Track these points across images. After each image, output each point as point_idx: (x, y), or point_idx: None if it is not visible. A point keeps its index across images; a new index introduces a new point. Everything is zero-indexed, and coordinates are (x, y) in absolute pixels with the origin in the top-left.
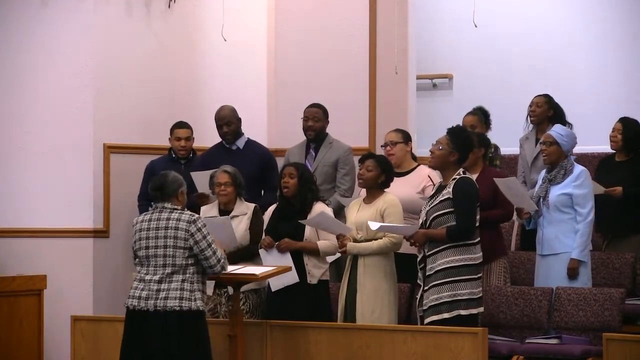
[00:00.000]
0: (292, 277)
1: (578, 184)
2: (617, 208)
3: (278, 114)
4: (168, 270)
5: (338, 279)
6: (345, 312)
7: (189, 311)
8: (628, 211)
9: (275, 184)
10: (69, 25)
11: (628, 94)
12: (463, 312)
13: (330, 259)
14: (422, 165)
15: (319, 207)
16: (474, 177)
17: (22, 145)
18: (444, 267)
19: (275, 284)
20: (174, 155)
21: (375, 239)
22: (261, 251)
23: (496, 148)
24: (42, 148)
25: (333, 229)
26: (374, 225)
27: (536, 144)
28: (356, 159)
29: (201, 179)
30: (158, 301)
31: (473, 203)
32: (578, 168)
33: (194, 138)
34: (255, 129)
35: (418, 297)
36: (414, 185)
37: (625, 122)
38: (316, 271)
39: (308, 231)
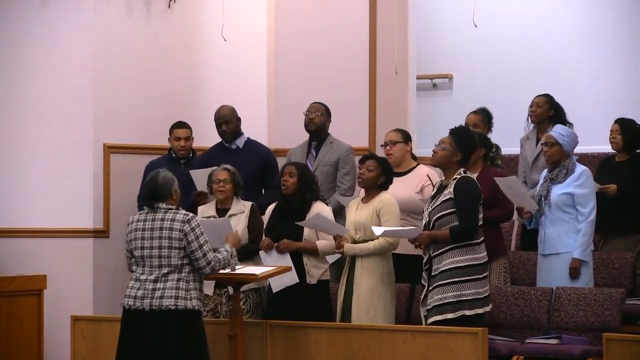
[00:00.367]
0: (292, 278)
1: (580, 184)
2: (613, 207)
3: (278, 114)
4: (164, 270)
5: (338, 279)
6: (342, 312)
7: (185, 310)
8: (624, 210)
9: (276, 183)
10: (69, 25)
11: (628, 94)
12: (468, 312)
13: (331, 259)
14: (421, 165)
15: (318, 207)
16: (474, 176)
17: (22, 145)
18: (449, 267)
19: (276, 284)
20: (173, 155)
21: (372, 239)
22: (261, 252)
23: (497, 148)
24: (42, 148)
25: (329, 230)
26: (378, 230)
27: (537, 144)
28: (357, 159)
29: (200, 177)
30: (154, 300)
31: (475, 202)
32: (580, 168)
33: (193, 138)
34: (255, 128)
35: (422, 297)
36: (413, 185)
37: (622, 122)
38: (315, 271)
39: (307, 231)
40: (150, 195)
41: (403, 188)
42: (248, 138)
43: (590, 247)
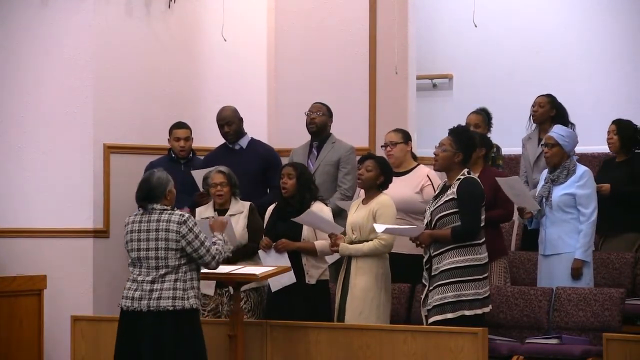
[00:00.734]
0: (290, 278)
1: (581, 184)
2: (610, 207)
3: (278, 114)
4: (161, 271)
5: (337, 279)
6: (339, 312)
7: (183, 310)
8: (621, 210)
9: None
10: (69, 25)
11: (628, 94)
12: (467, 313)
13: (330, 259)
14: (421, 165)
15: (318, 207)
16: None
17: (22, 145)
18: (449, 267)
19: (275, 284)
20: (173, 156)
21: (369, 240)
22: (260, 252)
23: (498, 148)
24: (42, 148)
25: (324, 228)
26: (380, 228)
27: (539, 144)
28: (357, 159)
29: (202, 178)
30: (151, 301)
31: (478, 203)
32: (581, 168)
33: (193, 138)
34: (256, 128)
35: (422, 297)
36: (413, 185)
37: (618, 123)
38: (314, 271)
39: (306, 231)
40: (144, 196)
41: (403, 188)
42: (252, 138)
43: (592, 248)
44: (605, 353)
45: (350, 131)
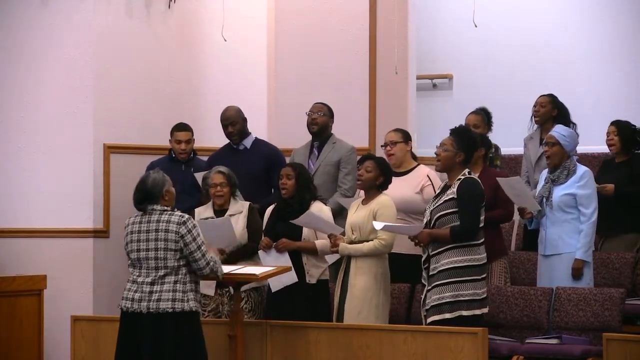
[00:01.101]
0: (291, 277)
1: (582, 184)
2: (611, 207)
3: (278, 114)
4: (160, 272)
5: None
6: (338, 312)
7: (182, 312)
8: (622, 210)
9: None
10: (69, 25)
11: (628, 94)
12: (465, 313)
13: (331, 259)
14: (421, 165)
15: (317, 207)
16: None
17: (22, 145)
18: (447, 267)
19: (275, 284)
20: (174, 156)
21: (369, 241)
22: (260, 252)
23: (497, 148)
24: (42, 148)
25: (323, 229)
26: (378, 225)
27: (540, 144)
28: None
29: None
30: (151, 303)
31: (477, 203)
32: (581, 168)
33: (194, 140)
34: (255, 128)
35: (422, 297)
36: (413, 185)
37: (618, 124)
38: (315, 271)
39: (306, 231)
40: (141, 199)
41: (403, 188)
42: (256, 138)
43: (592, 248)
44: (605, 353)
45: (350, 131)
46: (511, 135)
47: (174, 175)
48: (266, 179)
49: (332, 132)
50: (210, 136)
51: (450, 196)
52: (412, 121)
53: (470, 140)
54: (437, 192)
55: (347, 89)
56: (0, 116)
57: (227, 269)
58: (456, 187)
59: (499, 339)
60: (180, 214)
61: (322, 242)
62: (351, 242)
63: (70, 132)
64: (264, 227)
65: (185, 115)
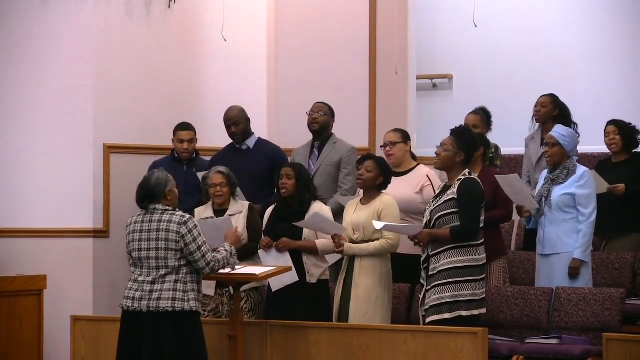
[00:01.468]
0: (291, 277)
1: (581, 184)
2: (615, 207)
3: (278, 114)
4: (161, 272)
5: (337, 279)
6: (339, 312)
7: (182, 312)
8: (626, 210)
9: None
10: (69, 25)
11: (628, 94)
12: (464, 313)
13: (331, 259)
14: (421, 165)
15: (317, 207)
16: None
17: (22, 145)
18: (447, 267)
19: (275, 284)
20: (176, 156)
21: (372, 240)
22: (260, 252)
23: (497, 148)
24: (42, 148)
25: (328, 230)
26: (378, 225)
27: (541, 144)
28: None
29: None
30: (151, 302)
31: (478, 204)
32: (581, 169)
33: (197, 140)
34: (256, 128)
35: (421, 297)
36: (413, 185)
37: (617, 123)
38: (315, 270)
39: (306, 230)
40: (144, 197)
41: (403, 188)
42: (259, 138)
43: (590, 248)
44: (605, 353)
45: (350, 131)
46: (511, 135)
47: (176, 175)
48: (269, 179)
49: (332, 132)
50: (210, 136)
51: (451, 196)
52: (412, 121)
53: (471, 141)
54: (437, 192)
55: (347, 89)
56: (0, 116)
57: (226, 269)
58: (456, 187)
59: (499, 339)
60: (181, 214)
61: (322, 242)
62: (352, 242)
63: (70, 132)
64: (264, 227)
65: (185, 115)
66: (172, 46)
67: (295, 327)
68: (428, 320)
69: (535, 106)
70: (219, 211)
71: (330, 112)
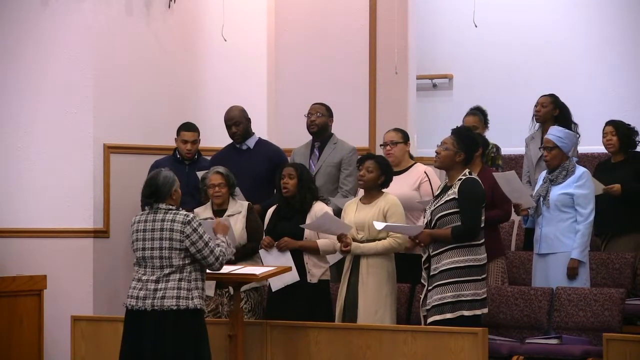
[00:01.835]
0: (292, 276)
1: (580, 185)
2: (614, 208)
3: (278, 114)
4: (165, 271)
5: (339, 279)
6: (344, 312)
7: (187, 310)
8: (625, 211)
9: None
10: (69, 25)
11: (627, 95)
12: (466, 313)
13: (332, 259)
14: (418, 163)
15: (319, 207)
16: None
17: (22, 145)
18: (448, 267)
19: (276, 283)
20: (178, 156)
21: (377, 239)
22: (261, 251)
23: (497, 148)
24: (42, 148)
25: (334, 230)
26: (379, 225)
27: (541, 144)
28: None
29: None
30: (155, 300)
31: (478, 204)
32: (580, 169)
33: (200, 140)
34: (256, 128)
35: (422, 297)
36: (410, 183)
37: (615, 124)
38: (316, 270)
39: (307, 230)
40: (150, 193)
41: (401, 186)
42: (259, 138)
43: (588, 248)
44: (605, 353)
45: (350, 131)
46: (511, 136)
47: (178, 176)
48: (269, 179)
49: (332, 132)
50: (210, 136)
51: (451, 196)
52: (412, 121)
53: (471, 141)
54: (438, 192)
55: (347, 89)
56: (0, 116)
57: (226, 269)
58: (457, 187)
59: (499, 339)
60: (185, 213)
61: (324, 242)
62: (356, 242)
63: (70, 133)
64: (265, 227)
65: (185, 115)
66: (172, 46)
67: (295, 327)
68: (430, 320)
69: (536, 106)
70: (218, 211)
71: (327, 113)
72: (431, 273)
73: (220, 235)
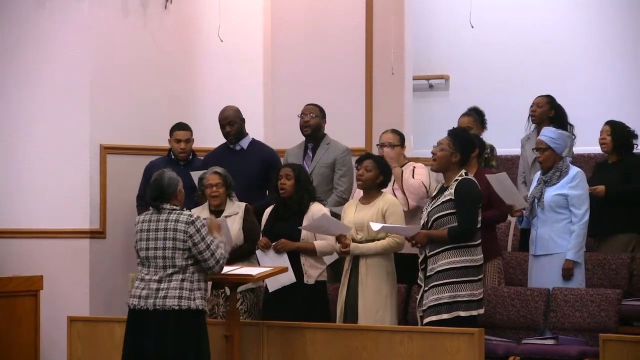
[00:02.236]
0: (289, 277)
1: (574, 185)
2: (604, 209)
3: (274, 115)
4: (168, 270)
5: (336, 280)
6: (345, 313)
7: (188, 310)
8: (615, 211)
9: None
10: (65, 26)
11: (625, 95)
12: (463, 314)
13: (328, 260)
14: (410, 162)
15: (316, 208)
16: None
17: (18, 146)
18: (445, 268)
19: (273, 284)
20: (172, 157)
21: (376, 239)
22: (258, 252)
23: (492, 149)
24: (39, 149)
25: (333, 231)
26: (376, 226)
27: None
28: (353, 159)
29: None
30: (157, 300)
31: (475, 204)
32: (574, 169)
33: (193, 140)
34: (252, 129)
35: (418, 297)
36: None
37: (613, 124)
38: (313, 271)
39: (304, 231)
40: (157, 195)
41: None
42: (253, 139)
43: (583, 249)
44: (601, 354)
45: (346, 132)
46: (507, 136)
47: None
48: (262, 180)
49: (325, 132)
50: (207, 136)
51: (448, 197)
52: (409, 122)
53: (467, 142)
54: (434, 193)
55: (344, 90)
56: None
57: (223, 269)
58: (453, 188)
59: (495, 339)
60: (188, 213)
61: (321, 243)
62: (355, 242)
63: (67, 133)
64: (262, 227)
65: (182, 116)
66: (169, 47)
67: (291, 328)
68: (426, 320)
69: (532, 106)
70: (216, 212)
71: (321, 114)
72: (428, 274)
73: (217, 235)
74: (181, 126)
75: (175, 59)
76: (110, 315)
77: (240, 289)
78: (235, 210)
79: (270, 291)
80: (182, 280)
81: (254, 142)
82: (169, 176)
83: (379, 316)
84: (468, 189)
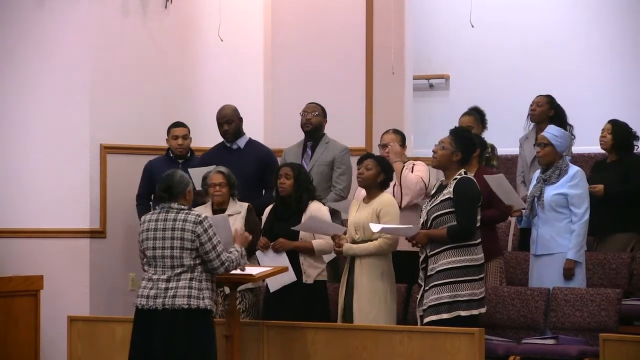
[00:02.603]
0: (289, 277)
1: (573, 184)
2: (603, 208)
3: (274, 114)
4: (176, 270)
5: (336, 279)
6: (344, 313)
7: (197, 309)
8: (614, 210)
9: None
10: (65, 25)
11: (625, 95)
12: (463, 313)
13: (327, 258)
14: (410, 161)
15: (315, 207)
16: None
17: (18, 146)
18: (445, 267)
19: (273, 284)
20: (171, 155)
21: (371, 240)
22: (258, 252)
23: (493, 148)
24: (39, 148)
25: (326, 231)
26: (376, 227)
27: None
28: (353, 159)
29: (199, 176)
30: (166, 300)
31: (474, 203)
32: (573, 168)
33: (191, 137)
34: (252, 128)
35: (418, 297)
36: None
37: (614, 123)
38: (312, 271)
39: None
40: (166, 189)
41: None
42: (250, 138)
43: (584, 248)
44: (601, 353)
45: (346, 131)
46: (508, 135)
47: None
48: (259, 179)
49: (324, 132)
50: (207, 136)
51: (447, 196)
52: (409, 121)
53: (469, 142)
54: (433, 191)
55: (344, 89)
56: None
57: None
58: (452, 186)
59: (496, 339)
60: (196, 213)
61: (319, 242)
62: (354, 242)
63: (67, 133)
64: (262, 227)
65: (182, 115)
66: (169, 46)
67: (291, 328)
68: (426, 320)
69: (531, 105)
70: (218, 211)
71: (322, 113)
72: (428, 273)
73: (237, 245)
74: (177, 124)
75: (175, 58)
76: (111, 315)
77: (239, 288)
78: (238, 210)
79: (271, 291)
80: (191, 279)
81: (250, 142)
82: (181, 175)
83: (372, 317)
84: (466, 188)
